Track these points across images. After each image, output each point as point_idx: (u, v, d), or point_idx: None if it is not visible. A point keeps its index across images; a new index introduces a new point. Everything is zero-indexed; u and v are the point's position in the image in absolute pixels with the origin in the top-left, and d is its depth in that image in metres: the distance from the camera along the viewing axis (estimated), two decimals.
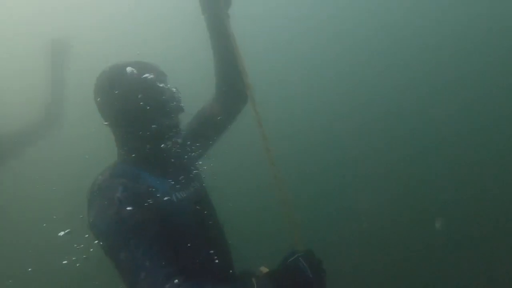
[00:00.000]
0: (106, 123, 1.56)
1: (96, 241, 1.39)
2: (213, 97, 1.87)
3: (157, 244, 1.33)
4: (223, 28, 1.69)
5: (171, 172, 1.58)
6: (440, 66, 6.12)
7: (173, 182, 1.55)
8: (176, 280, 1.24)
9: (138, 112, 1.48)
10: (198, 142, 1.77)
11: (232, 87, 1.77)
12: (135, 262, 1.27)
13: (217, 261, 1.55)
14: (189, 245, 1.46)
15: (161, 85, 1.52)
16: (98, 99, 1.54)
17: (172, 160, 1.61)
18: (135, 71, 1.50)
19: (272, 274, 1.41)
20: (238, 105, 1.86)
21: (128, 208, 1.34)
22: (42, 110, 3.21)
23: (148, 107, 1.48)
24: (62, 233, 1.62)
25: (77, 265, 1.70)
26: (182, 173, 1.61)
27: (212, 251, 1.55)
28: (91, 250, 1.52)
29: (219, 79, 1.83)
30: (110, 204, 1.35)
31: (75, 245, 1.60)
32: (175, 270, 1.29)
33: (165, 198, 1.47)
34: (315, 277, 1.37)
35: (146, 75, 1.50)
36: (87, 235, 1.45)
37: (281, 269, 1.41)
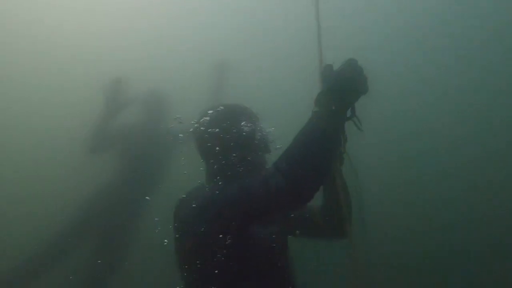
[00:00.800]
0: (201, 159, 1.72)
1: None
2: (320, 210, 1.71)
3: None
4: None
5: None
6: None
7: None
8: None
9: (229, 150, 1.62)
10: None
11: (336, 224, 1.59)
12: (244, 190, 1.41)
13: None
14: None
15: (252, 127, 1.65)
16: (196, 134, 1.72)
17: None
18: (231, 114, 1.68)
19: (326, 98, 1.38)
20: (337, 235, 1.63)
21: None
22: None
23: (238, 146, 1.62)
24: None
25: None
26: None
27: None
28: None
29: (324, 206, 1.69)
30: (199, 199, 1.53)
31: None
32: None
33: None
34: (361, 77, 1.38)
35: (240, 118, 1.66)
36: None
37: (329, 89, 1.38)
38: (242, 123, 1.65)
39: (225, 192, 1.48)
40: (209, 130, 1.66)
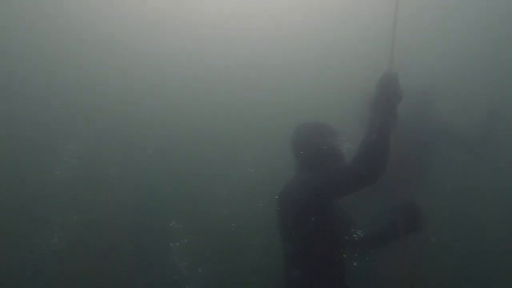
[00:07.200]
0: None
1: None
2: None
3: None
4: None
5: None
6: None
7: None
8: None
9: (312, 154, 2.14)
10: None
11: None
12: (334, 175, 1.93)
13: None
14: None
15: (331, 141, 2.17)
16: (293, 140, 2.24)
17: None
18: (317, 131, 2.19)
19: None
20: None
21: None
22: None
23: (319, 152, 2.13)
24: None
25: None
26: None
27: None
28: None
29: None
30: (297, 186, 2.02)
31: None
32: None
33: None
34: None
35: (324, 134, 2.18)
36: None
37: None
38: (328, 136, 2.21)
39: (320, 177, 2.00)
40: (306, 139, 2.21)
